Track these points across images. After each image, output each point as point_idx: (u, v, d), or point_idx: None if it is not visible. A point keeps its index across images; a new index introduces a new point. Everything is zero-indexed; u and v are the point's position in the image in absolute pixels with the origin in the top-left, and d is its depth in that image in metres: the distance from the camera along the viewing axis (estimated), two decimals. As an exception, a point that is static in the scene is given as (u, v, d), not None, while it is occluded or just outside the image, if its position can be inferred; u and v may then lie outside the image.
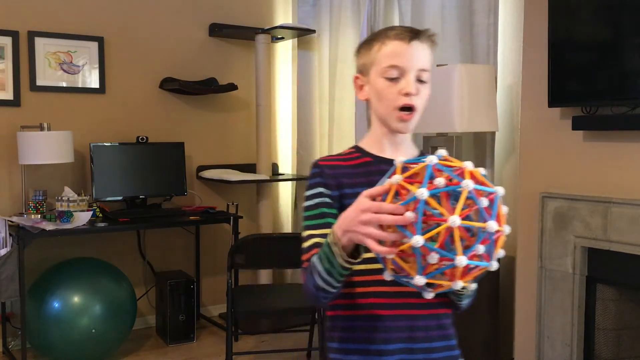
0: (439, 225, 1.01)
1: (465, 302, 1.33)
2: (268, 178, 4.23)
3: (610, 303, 2.59)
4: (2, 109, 3.69)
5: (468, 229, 1.03)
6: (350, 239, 1.12)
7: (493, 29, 3.10)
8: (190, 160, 4.24)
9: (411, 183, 1.06)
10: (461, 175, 1.05)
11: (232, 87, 4.24)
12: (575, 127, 2.55)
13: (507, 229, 1.06)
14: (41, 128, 3.61)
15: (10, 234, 3.31)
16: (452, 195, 1.04)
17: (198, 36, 4.30)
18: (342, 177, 1.33)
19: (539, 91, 2.71)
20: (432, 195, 1.02)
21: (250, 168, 4.39)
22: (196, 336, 3.89)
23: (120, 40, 4.04)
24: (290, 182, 4.53)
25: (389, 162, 1.29)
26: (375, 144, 1.38)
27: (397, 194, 1.07)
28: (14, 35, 3.70)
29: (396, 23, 3.69)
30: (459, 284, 1.05)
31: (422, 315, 1.31)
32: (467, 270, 1.04)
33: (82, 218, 3.51)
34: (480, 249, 1.02)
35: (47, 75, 3.81)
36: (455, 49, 3.31)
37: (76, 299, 3.37)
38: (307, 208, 1.33)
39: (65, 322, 3.33)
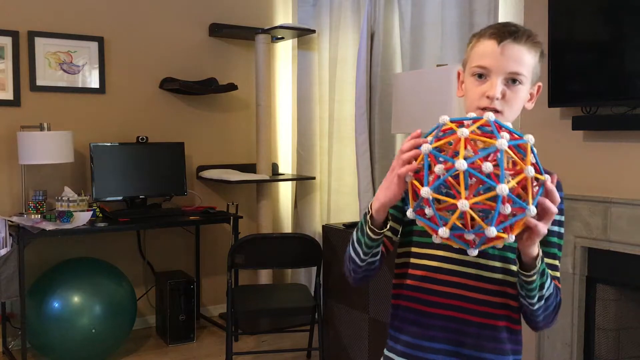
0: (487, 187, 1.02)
1: (537, 307, 1.25)
2: (268, 178, 4.23)
3: (610, 303, 2.59)
4: (2, 109, 3.70)
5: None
6: (387, 195, 1.16)
7: (493, 29, 3.09)
8: (190, 160, 4.24)
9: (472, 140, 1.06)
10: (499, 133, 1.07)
11: (232, 87, 4.24)
12: (575, 127, 2.55)
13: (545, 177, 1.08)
14: (41, 128, 3.61)
15: (10, 234, 3.31)
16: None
17: (198, 36, 4.30)
18: None
19: (539, 91, 2.71)
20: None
21: (250, 168, 4.39)
22: (196, 336, 3.89)
23: (120, 40, 4.04)
24: (290, 182, 4.53)
25: None
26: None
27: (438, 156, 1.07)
28: (14, 35, 3.70)
29: (396, 23, 3.68)
30: (512, 237, 1.05)
31: (474, 322, 1.27)
32: (510, 228, 1.05)
33: (82, 218, 3.51)
34: (508, 208, 1.03)
35: (47, 75, 3.81)
36: (455, 49, 3.30)
37: (76, 299, 3.37)
38: None
39: (65, 322, 3.33)
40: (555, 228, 1.31)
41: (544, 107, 2.64)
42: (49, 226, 3.34)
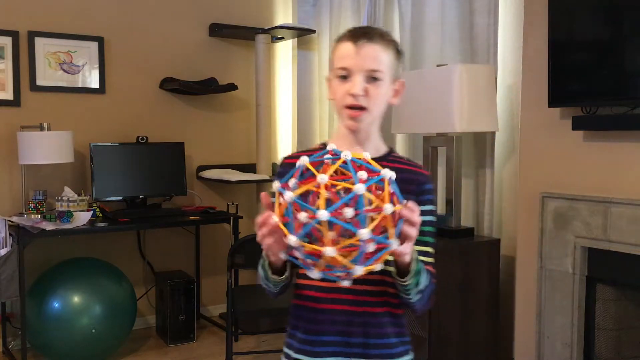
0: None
1: (415, 300, 1.34)
2: (268, 178, 4.23)
3: (610, 303, 2.59)
4: (2, 109, 3.70)
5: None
6: (271, 258, 1.27)
7: (493, 29, 3.09)
8: (190, 160, 4.25)
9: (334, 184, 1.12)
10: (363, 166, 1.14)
11: (232, 87, 4.25)
12: (575, 127, 2.55)
13: (387, 208, 1.10)
14: (41, 128, 3.61)
15: (10, 234, 3.31)
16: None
17: (198, 36, 4.30)
18: None
19: (539, 91, 2.71)
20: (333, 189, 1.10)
21: (250, 168, 4.39)
22: (196, 336, 3.89)
23: (120, 40, 4.04)
24: (290, 182, 4.53)
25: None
26: (339, 141, 1.41)
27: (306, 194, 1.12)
28: (14, 35, 3.70)
29: (396, 23, 3.69)
30: (379, 266, 1.13)
31: (359, 312, 1.36)
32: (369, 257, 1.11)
33: (82, 218, 3.51)
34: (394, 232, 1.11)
35: (47, 75, 3.81)
36: (455, 49, 3.31)
37: (76, 299, 3.37)
38: None
39: (65, 322, 3.33)
40: (428, 218, 1.39)
41: (544, 107, 2.64)
42: (49, 226, 3.34)
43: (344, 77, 1.35)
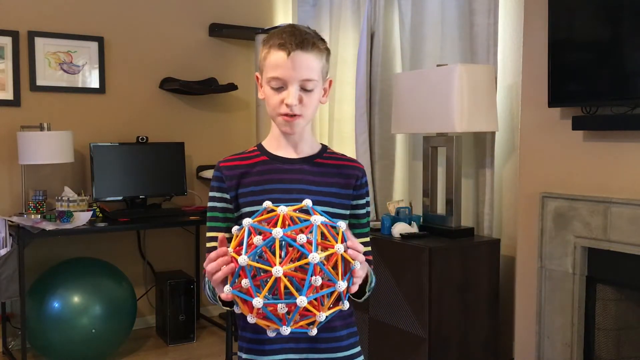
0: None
1: (364, 299, 1.40)
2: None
3: (610, 303, 2.59)
4: (2, 109, 3.70)
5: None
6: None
7: (493, 29, 3.09)
8: (190, 160, 4.25)
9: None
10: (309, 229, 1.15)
11: (232, 87, 4.25)
12: (575, 127, 2.55)
13: (341, 285, 1.12)
14: (41, 128, 3.61)
15: (10, 234, 3.31)
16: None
17: (198, 36, 4.30)
18: (240, 177, 1.41)
19: (539, 91, 2.71)
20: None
21: (250, 168, 4.39)
22: (196, 336, 3.89)
23: (120, 40, 4.04)
24: (290, 182, 4.53)
25: (284, 161, 1.42)
26: (274, 142, 1.45)
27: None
28: (14, 35, 3.70)
29: (396, 23, 3.68)
30: (314, 331, 1.17)
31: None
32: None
33: (82, 218, 3.51)
34: (318, 280, 1.11)
35: (47, 75, 3.81)
36: (455, 49, 3.31)
37: (76, 299, 3.37)
38: (207, 209, 1.45)
39: (65, 322, 3.33)
40: (365, 210, 1.48)
41: (544, 107, 2.65)
42: (49, 226, 3.34)
43: (277, 86, 1.35)
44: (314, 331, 1.17)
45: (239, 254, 1.11)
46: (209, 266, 1.17)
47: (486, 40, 3.11)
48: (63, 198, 3.59)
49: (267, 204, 1.18)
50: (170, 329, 3.80)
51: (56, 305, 3.33)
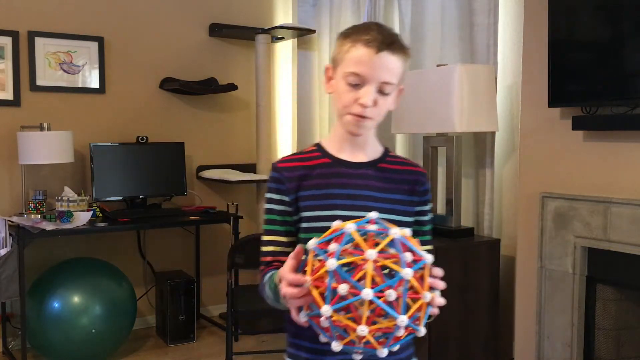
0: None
1: None
2: (268, 178, 4.22)
3: (610, 303, 2.59)
4: (2, 109, 3.70)
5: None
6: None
7: (493, 29, 3.10)
8: (190, 160, 4.25)
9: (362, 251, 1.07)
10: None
11: (232, 87, 4.25)
12: (575, 127, 2.55)
13: (427, 296, 1.08)
14: (41, 128, 3.61)
15: (10, 234, 3.31)
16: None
17: (198, 36, 4.30)
18: (300, 180, 1.34)
19: (539, 91, 2.71)
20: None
21: (250, 168, 4.39)
22: (196, 336, 3.89)
23: (120, 40, 4.04)
24: (290, 182, 4.52)
25: (348, 164, 1.35)
26: (337, 143, 1.38)
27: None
28: (14, 35, 3.70)
29: (396, 23, 3.69)
30: (384, 352, 1.09)
31: None
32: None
33: (82, 218, 3.51)
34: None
35: (47, 75, 3.81)
36: (455, 49, 3.31)
37: (76, 299, 3.36)
38: (265, 211, 1.39)
39: (65, 322, 3.33)
40: (428, 217, 1.42)
41: (544, 107, 2.65)
42: (49, 226, 3.34)
43: (356, 85, 1.28)
44: (384, 352, 1.09)
45: (318, 289, 1.07)
46: (289, 293, 1.11)
47: (486, 40, 3.11)
48: (63, 198, 3.59)
49: (351, 228, 1.09)
50: (170, 329, 3.80)
51: (56, 305, 3.33)
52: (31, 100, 3.77)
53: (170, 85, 4.13)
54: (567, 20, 2.58)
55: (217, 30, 4.27)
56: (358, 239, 1.07)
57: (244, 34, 4.33)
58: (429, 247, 1.39)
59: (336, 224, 1.12)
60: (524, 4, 2.84)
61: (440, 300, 1.12)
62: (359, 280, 1.04)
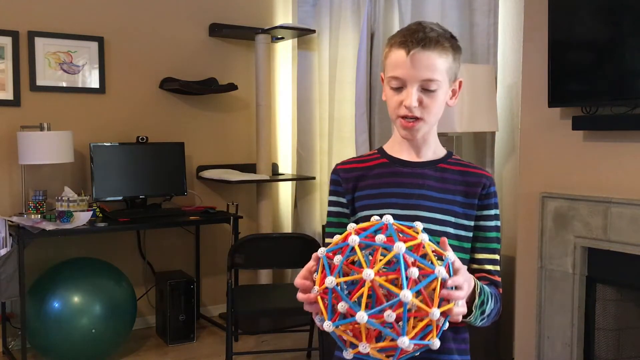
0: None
1: (479, 324, 1.31)
2: (268, 178, 4.23)
3: (610, 303, 2.59)
4: (2, 109, 3.69)
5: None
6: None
7: (493, 29, 3.10)
8: (190, 160, 4.25)
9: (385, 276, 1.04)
10: (421, 252, 1.05)
11: (232, 87, 4.24)
12: (575, 127, 2.55)
13: (435, 313, 1.03)
14: (41, 128, 3.61)
15: (10, 234, 3.31)
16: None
17: (198, 36, 4.30)
18: (357, 180, 1.35)
19: (539, 91, 2.71)
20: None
21: (250, 168, 4.39)
22: (196, 336, 3.89)
23: (120, 40, 4.04)
24: (290, 182, 4.53)
25: (405, 164, 1.34)
26: (396, 146, 1.38)
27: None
28: (14, 35, 3.70)
29: (396, 23, 3.69)
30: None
31: None
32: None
33: (82, 218, 3.51)
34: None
35: (47, 75, 3.81)
36: (455, 49, 3.30)
37: (76, 299, 3.36)
38: (327, 213, 1.40)
39: (65, 322, 3.33)
40: (493, 223, 1.35)
41: (544, 107, 2.65)
42: (49, 226, 3.34)
43: (397, 86, 1.28)
44: (436, 343, 1.05)
45: (324, 300, 1.06)
46: (298, 297, 1.13)
47: (486, 40, 3.12)
48: (63, 198, 3.59)
49: (354, 241, 1.06)
50: (170, 329, 3.80)
51: (56, 305, 3.33)
52: (31, 100, 3.77)
53: (170, 85, 4.13)
54: (567, 20, 2.58)
55: (217, 30, 4.27)
56: (359, 254, 1.05)
57: (244, 34, 4.33)
58: (493, 256, 1.36)
59: (350, 226, 1.10)
60: (524, 4, 2.84)
61: (460, 310, 1.10)
62: (360, 297, 1.02)
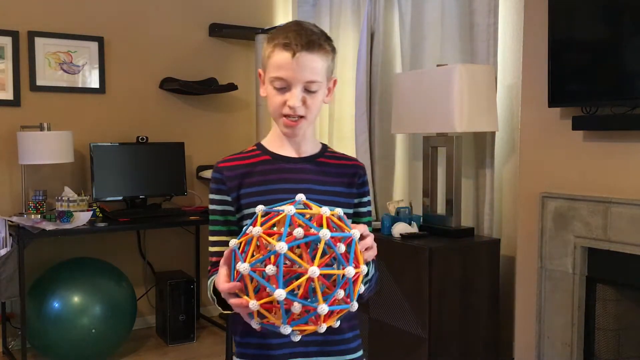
0: (300, 275, 1.05)
1: (363, 290, 1.34)
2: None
3: (610, 303, 2.59)
4: (2, 109, 3.70)
5: (328, 276, 1.07)
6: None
7: (493, 29, 3.09)
8: (190, 160, 4.25)
9: (270, 235, 1.09)
10: (319, 222, 1.09)
11: (232, 87, 4.25)
12: (575, 127, 2.55)
13: (364, 269, 1.10)
14: (41, 128, 3.61)
15: (10, 234, 3.31)
16: (312, 243, 1.08)
17: (198, 36, 4.30)
18: (242, 177, 1.38)
19: (539, 91, 2.71)
20: (292, 247, 1.06)
21: (250, 168, 4.39)
22: (196, 336, 3.89)
23: (120, 40, 4.04)
24: (290, 182, 4.53)
25: (287, 160, 1.39)
26: (276, 142, 1.42)
27: (258, 245, 1.11)
28: (14, 35, 3.70)
29: (396, 23, 3.68)
30: (323, 327, 1.09)
31: None
32: (329, 314, 1.08)
33: (82, 218, 3.51)
34: (340, 293, 1.07)
35: (47, 75, 3.81)
36: (455, 49, 3.30)
37: (76, 299, 3.37)
38: (209, 212, 1.44)
39: (65, 322, 3.33)
40: (367, 208, 1.47)
41: (544, 107, 2.65)
42: (49, 226, 3.34)
43: (282, 88, 1.33)
44: (296, 338, 1.13)
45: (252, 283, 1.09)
46: (234, 303, 1.14)
47: (486, 40, 3.11)
48: (63, 198, 3.59)
49: (259, 208, 1.15)
50: (170, 329, 3.80)
51: (56, 305, 3.33)
52: (31, 100, 3.77)
53: (170, 85, 4.13)
54: (567, 20, 2.58)
55: (217, 30, 4.27)
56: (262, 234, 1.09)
57: (244, 34, 4.33)
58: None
59: (259, 208, 1.15)
60: (524, 4, 2.84)
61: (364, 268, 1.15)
62: (264, 263, 1.06)
